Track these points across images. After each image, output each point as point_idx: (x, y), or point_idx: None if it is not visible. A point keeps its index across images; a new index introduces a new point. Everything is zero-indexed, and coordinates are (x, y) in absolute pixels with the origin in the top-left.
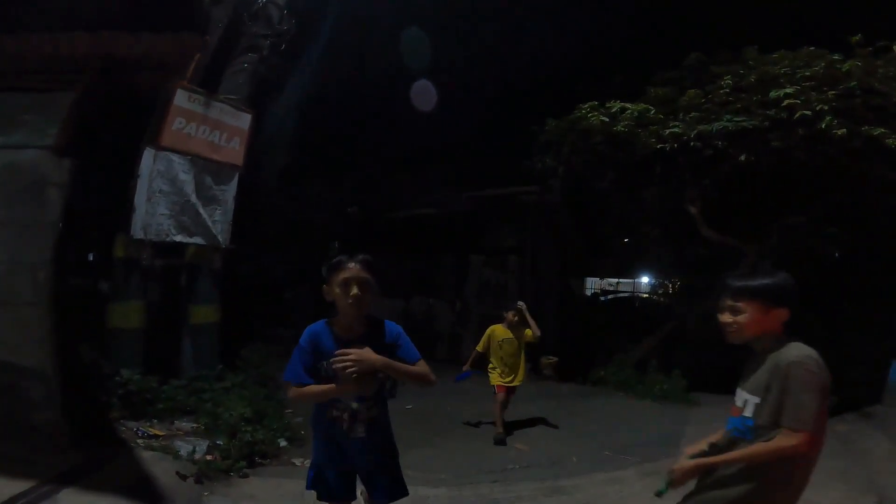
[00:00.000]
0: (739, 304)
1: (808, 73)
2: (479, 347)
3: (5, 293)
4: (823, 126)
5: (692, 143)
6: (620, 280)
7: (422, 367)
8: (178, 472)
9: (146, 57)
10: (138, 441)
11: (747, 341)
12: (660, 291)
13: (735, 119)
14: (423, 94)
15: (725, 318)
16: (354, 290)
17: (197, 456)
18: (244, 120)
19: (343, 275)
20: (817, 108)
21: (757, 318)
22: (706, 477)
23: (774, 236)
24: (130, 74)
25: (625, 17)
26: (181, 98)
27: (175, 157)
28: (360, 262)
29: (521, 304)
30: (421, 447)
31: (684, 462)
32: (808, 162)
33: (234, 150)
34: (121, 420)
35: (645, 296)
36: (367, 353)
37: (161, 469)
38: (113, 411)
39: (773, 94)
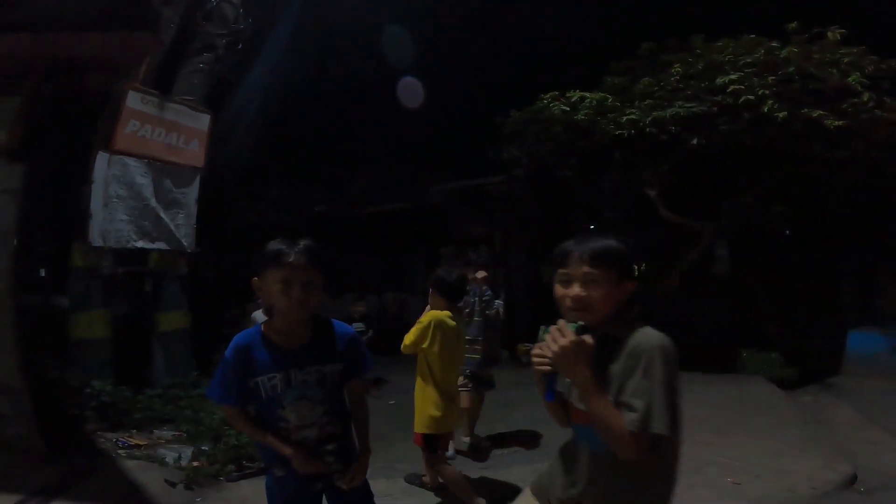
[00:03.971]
0: (595, 272)
1: (749, 60)
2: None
3: None
4: (766, 110)
5: (648, 129)
6: None
7: (362, 388)
8: (166, 480)
9: (94, 58)
10: (119, 451)
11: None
12: None
13: (686, 105)
14: (387, 90)
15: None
16: (297, 293)
17: (184, 463)
18: (203, 121)
19: (282, 273)
20: (760, 93)
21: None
22: None
23: (726, 215)
24: (79, 76)
25: (580, 8)
26: (133, 100)
27: (131, 161)
28: (303, 252)
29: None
30: (406, 441)
31: None
32: (753, 144)
33: (193, 152)
34: (97, 432)
35: None
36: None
37: (149, 477)
38: (88, 423)
39: (719, 80)
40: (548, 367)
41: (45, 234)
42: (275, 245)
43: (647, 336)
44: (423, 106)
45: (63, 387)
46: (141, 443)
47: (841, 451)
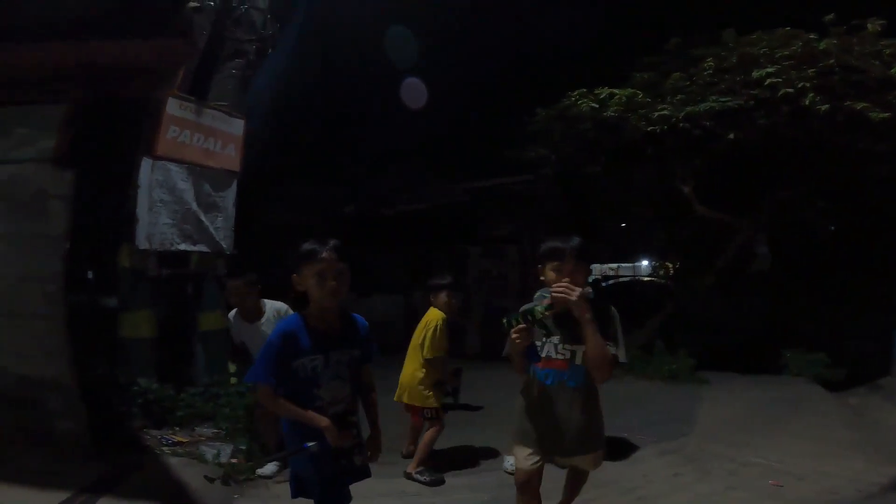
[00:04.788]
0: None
1: (786, 53)
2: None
3: (18, 307)
4: (807, 103)
5: (681, 125)
6: (620, 265)
7: (370, 375)
8: (206, 476)
9: (134, 65)
10: (164, 448)
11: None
12: (660, 273)
13: (721, 99)
14: (412, 88)
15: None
16: (331, 283)
17: (222, 460)
18: (237, 126)
19: (318, 266)
20: (799, 86)
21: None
22: None
23: (766, 211)
24: (120, 83)
25: (605, 5)
26: (173, 106)
27: (172, 166)
28: (333, 249)
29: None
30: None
31: None
32: (793, 138)
33: (229, 157)
34: (143, 429)
35: (646, 279)
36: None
37: (189, 474)
38: (134, 420)
39: (755, 73)
40: (528, 341)
41: (93, 237)
42: (309, 245)
43: (610, 306)
44: (450, 105)
45: (111, 384)
46: (183, 440)
47: (888, 454)
